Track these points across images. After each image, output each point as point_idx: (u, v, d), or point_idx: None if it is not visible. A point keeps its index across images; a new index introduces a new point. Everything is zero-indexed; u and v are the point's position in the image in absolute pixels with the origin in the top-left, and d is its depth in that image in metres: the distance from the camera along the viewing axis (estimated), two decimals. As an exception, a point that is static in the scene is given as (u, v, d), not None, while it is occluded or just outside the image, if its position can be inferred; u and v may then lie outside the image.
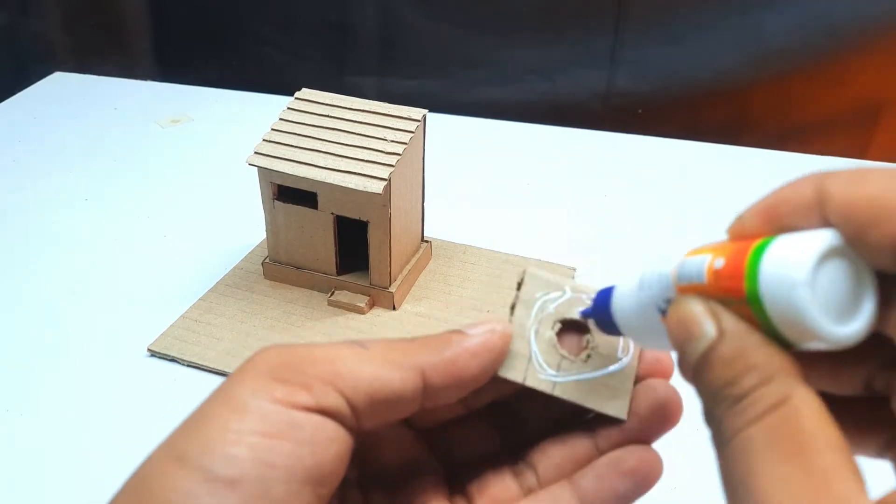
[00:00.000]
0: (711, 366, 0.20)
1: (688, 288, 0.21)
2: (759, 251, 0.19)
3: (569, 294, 0.28)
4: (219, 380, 0.51)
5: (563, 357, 0.27)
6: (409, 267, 0.59)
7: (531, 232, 0.68)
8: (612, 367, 0.27)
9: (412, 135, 0.53)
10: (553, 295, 0.28)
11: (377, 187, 0.50)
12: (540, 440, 0.28)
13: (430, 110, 0.55)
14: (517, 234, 0.67)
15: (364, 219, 0.53)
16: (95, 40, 1.19)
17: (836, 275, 0.18)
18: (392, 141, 0.53)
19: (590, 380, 0.26)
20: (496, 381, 0.26)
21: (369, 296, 0.57)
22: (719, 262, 0.20)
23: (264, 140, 0.54)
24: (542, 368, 0.26)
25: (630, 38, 1.07)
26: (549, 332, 0.27)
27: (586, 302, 0.28)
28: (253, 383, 0.23)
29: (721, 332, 0.20)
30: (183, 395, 0.50)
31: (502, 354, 0.26)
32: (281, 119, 0.56)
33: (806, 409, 0.18)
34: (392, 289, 0.56)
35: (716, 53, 1.07)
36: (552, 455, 0.27)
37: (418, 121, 0.54)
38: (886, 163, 0.79)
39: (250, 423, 0.22)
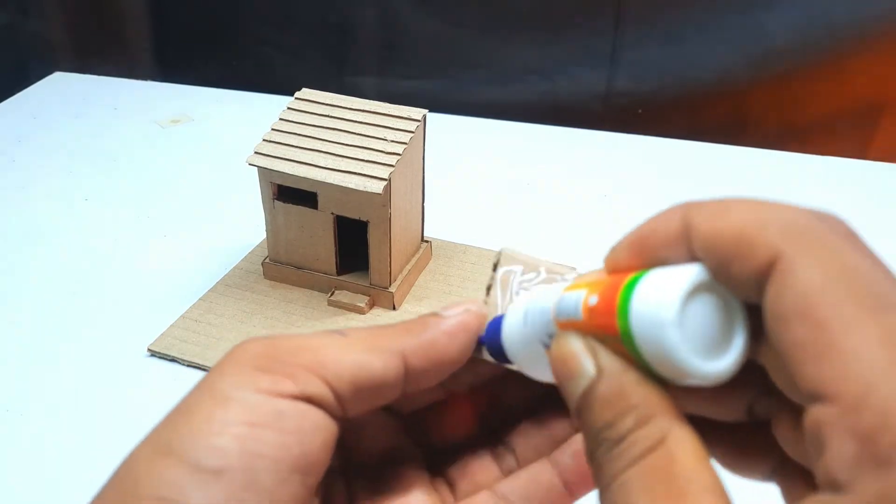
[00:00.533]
0: (591, 406, 0.20)
1: (567, 324, 0.21)
2: (629, 288, 0.19)
3: (544, 275, 0.28)
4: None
5: None
6: (409, 267, 0.59)
7: (531, 232, 0.68)
8: None
9: (412, 135, 0.53)
10: (529, 275, 0.28)
11: (377, 187, 0.50)
12: (519, 423, 0.28)
13: (430, 110, 0.55)
14: (517, 234, 0.67)
15: (364, 219, 0.53)
16: (95, 40, 1.19)
17: (706, 310, 0.18)
18: (392, 141, 0.53)
19: None
20: (474, 364, 0.26)
21: (369, 296, 0.57)
22: (593, 299, 0.20)
23: (264, 140, 0.54)
24: None
25: (630, 38, 1.07)
26: None
27: (559, 282, 0.28)
28: (235, 375, 0.23)
29: (600, 371, 0.20)
30: (183, 395, 0.50)
31: (478, 334, 0.26)
32: (281, 119, 0.56)
33: (681, 450, 0.18)
34: (392, 289, 0.56)
35: (716, 53, 1.07)
36: (531, 436, 0.28)
37: (418, 121, 0.54)
38: (886, 163, 0.79)
39: (235, 413, 0.22)
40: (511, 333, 0.24)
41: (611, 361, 0.19)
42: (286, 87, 0.63)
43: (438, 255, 0.63)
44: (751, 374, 0.19)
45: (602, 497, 0.19)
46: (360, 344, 0.24)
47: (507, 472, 0.28)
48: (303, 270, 0.58)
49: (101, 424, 0.48)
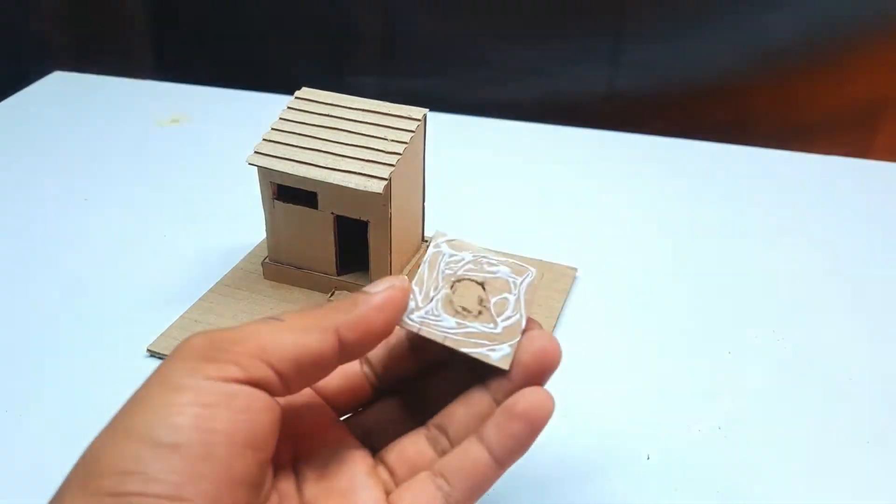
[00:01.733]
0: None
1: None
2: None
3: (470, 257, 0.31)
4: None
5: (458, 311, 0.30)
6: (409, 267, 0.58)
7: (531, 232, 0.68)
8: (500, 323, 0.29)
9: (413, 134, 0.53)
10: (457, 256, 0.31)
11: (378, 187, 0.50)
12: (447, 407, 0.31)
13: (431, 110, 0.55)
14: (517, 234, 0.67)
15: (364, 218, 0.53)
16: (95, 40, 1.19)
17: None
18: (392, 140, 0.53)
19: (478, 333, 0.29)
20: (402, 361, 0.31)
21: (369, 296, 0.57)
22: None
23: (264, 140, 0.54)
24: (437, 321, 0.29)
25: (631, 37, 1.07)
26: (447, 289, 0.30)
27: (484, 266, 0.31)
28: (184, 366, 0.25)
29: None
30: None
31: (403, 307, 0.29)
32: (281, 119, 0.55)
33: None
34: (392, 289, 0.56)
35: (716, 53, 1.07)
36: (458, 417, 0.30)
37: (419, 120, 0.54)
38: (888, 162, 0.79)
39: (189, 397, 0.24)
40: None
41: None
42: (286, 87, 0.63)
43: (439, 255, 0.63)
44: None
45: None
46: (297, 325, 0.27)
47: (441, 453, 0.30)
48: (303, 270, 0.58)
49: (101, 425, 0.48)
